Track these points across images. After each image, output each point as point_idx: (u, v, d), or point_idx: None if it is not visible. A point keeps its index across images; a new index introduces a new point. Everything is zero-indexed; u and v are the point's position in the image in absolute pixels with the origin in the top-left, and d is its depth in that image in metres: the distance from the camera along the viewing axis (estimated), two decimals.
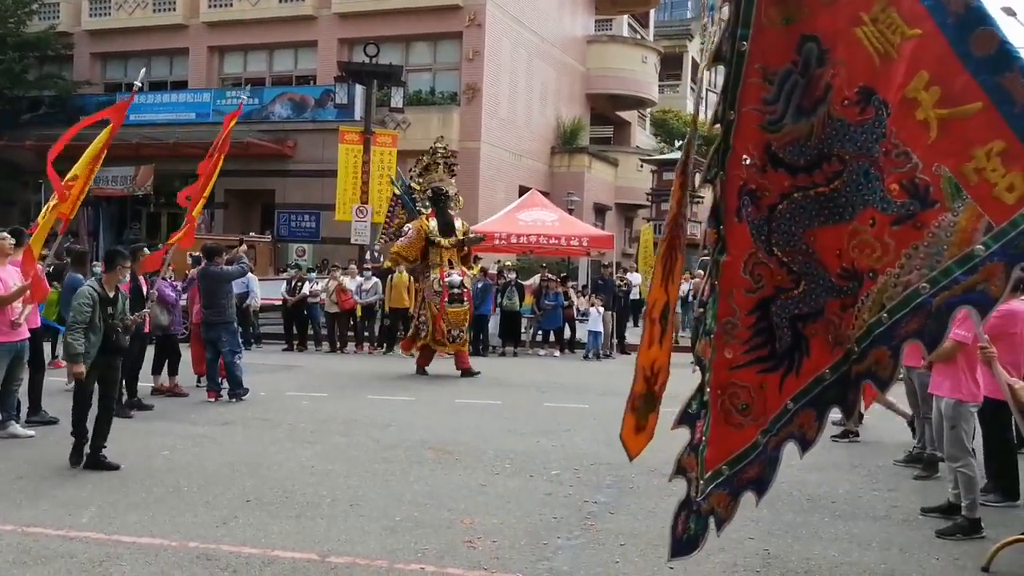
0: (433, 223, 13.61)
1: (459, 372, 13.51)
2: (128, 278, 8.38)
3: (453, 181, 14.34)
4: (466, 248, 14.07)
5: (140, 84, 9.83)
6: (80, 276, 10.43)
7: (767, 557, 5.29)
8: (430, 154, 14.21)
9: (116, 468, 7.04)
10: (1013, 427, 6.52)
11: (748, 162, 3.31)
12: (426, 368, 13.70)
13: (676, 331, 3.99)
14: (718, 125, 3.37)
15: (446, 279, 13.33)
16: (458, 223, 13.95)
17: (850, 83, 3.03)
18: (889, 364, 2.92)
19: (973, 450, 5.93)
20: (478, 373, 13.57)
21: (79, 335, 6.91)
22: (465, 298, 13.60)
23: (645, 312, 3.81)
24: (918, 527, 5.99)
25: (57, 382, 10.39)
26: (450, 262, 13.56)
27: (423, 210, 13.83)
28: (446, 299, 13.26)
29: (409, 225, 13.79)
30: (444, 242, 13.54)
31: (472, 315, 14.30)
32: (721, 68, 3.33)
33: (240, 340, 11.37)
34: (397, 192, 14.60)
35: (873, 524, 6.06)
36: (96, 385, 7.24)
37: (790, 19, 3.16)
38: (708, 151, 3.42)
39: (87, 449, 7.15)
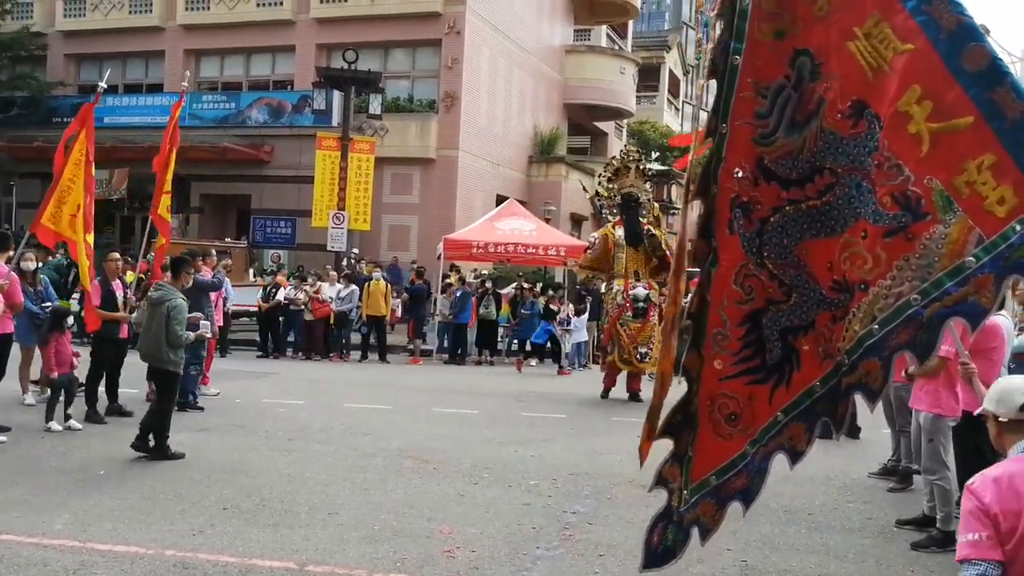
0: (620, 231, 12.75)
1: (627, 394, 12.54)
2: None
3: (648, 187, 13.23)
4: (655, 259, 12.59)
5: (103, 87, 9.77)
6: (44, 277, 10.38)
7: (745, 568, 5.33)
8: (622, 157, 13.23)
9: (182, 456, 7.71)
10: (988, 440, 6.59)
11: (740, 175, 3.36)
12: (610, 390, 12.71)
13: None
14: (711, 139, 3.40)
15: (631, 291, 12.44)
16: (651, 230, 12.85)
17: (843, 96, 3.07)
18: (880, 375, 2.95)
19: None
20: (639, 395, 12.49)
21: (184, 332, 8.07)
22: (651, 312, 12.38)
23: (662, 328, 3.86)
24: (893, 539, 6.06)
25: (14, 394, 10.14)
26: (636, 273, 12.62)
27: (610, 217, 13.07)
28: (627, 312, 12.35)
29: (595, 234, 13.03)
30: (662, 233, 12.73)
31: (647, 330, 12.45)
32: (714, 84, 3.37)
33: (203, 353, 10.80)
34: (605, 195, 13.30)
35: (849, 536, 6.11)
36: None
37: (782, 33, 3.20)
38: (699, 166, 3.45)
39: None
